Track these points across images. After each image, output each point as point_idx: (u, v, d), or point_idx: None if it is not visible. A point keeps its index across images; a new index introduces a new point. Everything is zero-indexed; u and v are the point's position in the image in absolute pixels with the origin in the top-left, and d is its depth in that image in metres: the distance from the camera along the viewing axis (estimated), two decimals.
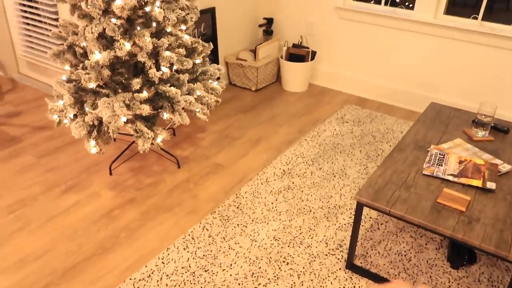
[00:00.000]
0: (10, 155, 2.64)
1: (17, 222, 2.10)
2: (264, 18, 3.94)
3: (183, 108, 2.36)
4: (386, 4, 3.38)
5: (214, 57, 3.56)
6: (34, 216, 2.14)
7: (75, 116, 2.34)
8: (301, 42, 3.83)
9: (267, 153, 2.73)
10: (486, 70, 3.08)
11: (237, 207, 2.22)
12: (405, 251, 1.97)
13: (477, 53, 3.07)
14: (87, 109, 2.29)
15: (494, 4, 3.51)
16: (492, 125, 2.26)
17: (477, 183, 1.77)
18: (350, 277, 1.81)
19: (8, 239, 1.99)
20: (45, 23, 3.25)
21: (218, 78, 2.74)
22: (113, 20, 2.13)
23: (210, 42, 2.61)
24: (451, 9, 3.15)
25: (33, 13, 3.30)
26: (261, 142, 2.86)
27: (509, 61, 2.97)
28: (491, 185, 1.76)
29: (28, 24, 3.41)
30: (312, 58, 3.67)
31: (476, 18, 3.03)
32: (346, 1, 3.50)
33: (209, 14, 3.40)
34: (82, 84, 2.24)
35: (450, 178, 1.80)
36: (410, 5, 3.27)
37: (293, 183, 2.43)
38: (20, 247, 1.95)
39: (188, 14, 2.41)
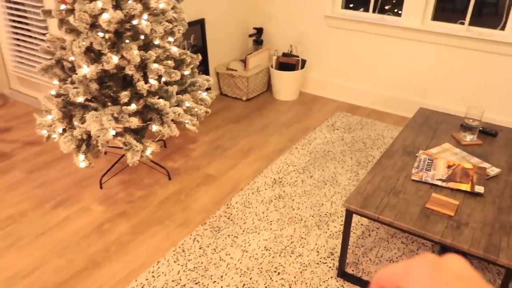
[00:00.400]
0: (0, 171, 2.63)
1: (7, 239, 2.08)
2: (254, 28, 3.96)
3: (172, 120, 2.36)
4: (374, 11, 3.41)
5: (204, 68, 3.57)
6: (23, 233, 2.12)
7: (64, 130, 2.34)
8: (291, 51, 3.85)
9: (258, 163, 2.73)
10: (474, 74, 3.11)
11: (228, 218, 2.21)
12: (396, 257, 1.96)
13: (465, 57, 3.09)
14: (75, 123, 2.29)
15: (483, 9, 3.54)
16: (480, 129, 2.27)
17: (466, 187, 1.77)
18: (342, 286, 1.80)
19: None
20: (35, 38, 3.26)
21: (208, 89, 2.75)
22: (100, 34, 2.14)
23: (199, 54, 2.62)
24: (439, 15, 3.18)
25: (23, 29, 3.31)
26: (252, 152, 2.86)
27: (496, 65, 3.00)
28: (479, 189, 1.76)
29: (18, 39, 3.42)
30: (302, 67, 3.69)
31: (463, 23, 3.06)
32: (335, 10, 3.53)
33: (198, 26, 3.42)
34: (70, 99, 2.24)
35: (439, 183, 1.80)
36: (399, 12, 3.30)
37: (284, 192, 2.43)
38: (10, 264, 1.93)
39: (175, 26, 2.42)
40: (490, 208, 1.67)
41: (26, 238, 2.08)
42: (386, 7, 3.44)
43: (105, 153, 2.85)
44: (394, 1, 3.38)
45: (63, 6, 2.27)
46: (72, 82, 2.32)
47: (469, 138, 2.19)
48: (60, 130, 2.35)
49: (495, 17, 3.11)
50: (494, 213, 1.65)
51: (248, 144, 2.95)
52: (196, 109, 2.53)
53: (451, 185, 1.79)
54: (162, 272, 1.87)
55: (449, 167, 1.91)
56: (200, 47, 3.48)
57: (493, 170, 1.92)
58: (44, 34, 3.16)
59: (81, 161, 2.29)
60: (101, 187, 2.47)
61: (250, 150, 2.89)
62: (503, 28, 2.95)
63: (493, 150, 2.11)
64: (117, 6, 2.15)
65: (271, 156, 2.81)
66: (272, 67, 3.69)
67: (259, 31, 3.95)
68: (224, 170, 2.65)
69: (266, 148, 2.90)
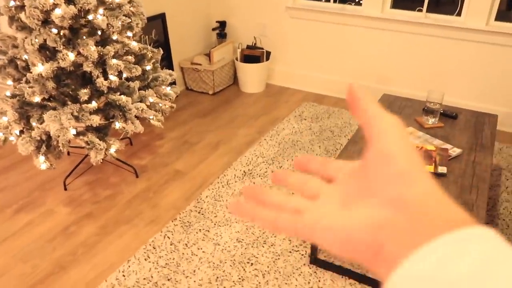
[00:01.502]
0: None
1: None
2: (216, 22, 3.92)
3: (136, 116, 2.30)
4: (335, 1, 3.44)
5: (168, 64, 3.51)
6: None
7: (21, 132, 2.24)
8: (255, 43, 3.84)
9: (227, 156, 2.71)
10: (433, 59, 3.19)
11: (199, 212, 2.19)
12: None
13: (424, 43, 3.17)
14: (33, 124, 2.20)
15: None
16: (441, 112, 2.33)
17: (429, 168, 1.81)
18: (315, 272, 1.82)
19: None
20: None
21: (172, 84, 2.70)
22: (54, 30, 2.05)
23: (160, 48, 2.57)
24: (399, 3, 3.24)
25: None
26: (220, 145, 2.83)
27: (454, 50, 3.09)
28: (442, 169, 1.81)
29: None
30: (267, 59, 3.68)
31: (421, 11, 3.13)
32: (296, 0, 3.53)
33: (159, 20, 3.35)
34: (26, 99, 2.15)
35: None
36: (360, 2, 3.35)
37: (254, 183, 2.42)
38: None
39: (133, 21, 2.36)
40: (453, 188, 1.72)
41: None
42: None
43: (68, 153, 2.75)
44: None
45: (12, 3, 2.16)
46: (27, 82, 2.22)
47: (431, 121, 2.24)
48: (17, 132, 2.25)
49: (452, 5, 3.19)
50: (457, 192, 1.70)
51: (216, 138, 2.93)
52: (160, 104, 2.48)
53: None
54: (133, 271, 1.83)
55: None
56: (162, 42, 3.41)
57: (454, 151, 1.97)
58: None
59: (41, 163, 2.20)
60: (65, 189, 2.39)
61: (219, 143, 2.86)
62: (459, 14, 3.04)
63: (454, 132, 2.18)
64: (70, 1, 2.07)
65: (240, 148, 2.80)
66: (237, 60, 3.66)
67: (222, 24, 3.91)
68: (192, 165, 2.61)
69: (235, 141, 2.89)
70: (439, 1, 3.54)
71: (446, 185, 1.73)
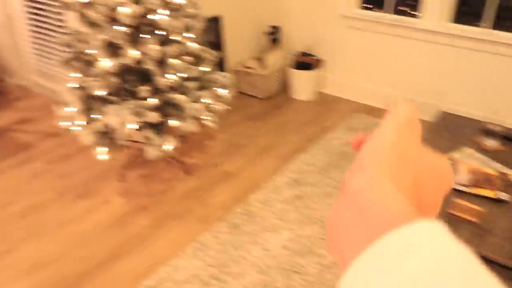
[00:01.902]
0: (22, 161, 2.66)
1: (29, 227, 2.11)
2: (271, 26, 3.96)
3: (191, 116, 2.37)
4: (391, 12, 3.39)
5: (221, 65, 3.58)
6: (45, 222, 2.15)
7: (84, 123, 2.36)
8: (308, 51, 3.84)
9: (276, 161, 2.73)
10: (495, 78, 3.08)
11: (247, 215, 2.22)
12: None
13: (486, 61, 3.06)
14: (96, 116, 2.31)
15: (503, 13, 3.51)
16: (503, 134, 2.25)
17: (489, 193, 1.76)
18: None
19: (21, 244, 2.00)
20: (53, 30, 3.28)
21: (226, 86, 2.76)
22: (120, 28, 2.15)
23: (217, 50, 2.63)
24: (459, 18, 3.15)
25: (41, 21, 3.33)
26: (270, 150, 2.86)
27: None
28: (504, 195, 1.75)
29: (36, 32, 3.44)
30: (320, 67, 3.68)
31: (483, 27, 3.03)
32: (352, 10, 3.51)
33: (214, 23, 3.42)
34: (90, 92, 2.26)
35: (461, 188, 1.80)
36: (418, 14, 3.28)
37: (303, 191, 2.43)
38: (33, 253, 1.96)
39: (193, 22, 2.42)
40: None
41: (48, 228, 2.11)
42: (403, 8, 3.42)
43: (125, 146, 2.86)
44: (410, 2, 3.35)
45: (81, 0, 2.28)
46: (92, 76, 2.33)
47: (491, 143, 2.17)
48: (81, 123, 2.37)
49: None
50: None
51: (266, 142, 2.96)
52: (215, 106, 2.54)
53: (474, 190, 1.78)
54: (182, 266, 1.88)
55: (471, 172, 1.90)
56: (217, 45, 3.48)
57: None
58: (61, 27, 3.18)
59: (101, 153, 2.31)
60: (121, 181, 2.49)
61: (268, 148, 2.89)
62: None
63: None
64: (136, 0, 2.16)
65: (289, 155, 2.81)
66: (289, 66, 3.68)
67: (276, 29, 3.94)
68: (241, 168, 2.66)
69: (284, 147, 2.91)
70: (503, 16, 3.42)
71: (507, 212, 1.68)
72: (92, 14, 2.24)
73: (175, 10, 2.33)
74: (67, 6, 2.32)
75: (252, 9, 3.77)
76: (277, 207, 2.29)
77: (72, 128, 2.41)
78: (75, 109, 2.29)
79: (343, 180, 0.27)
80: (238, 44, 3.75)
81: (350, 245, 0.23)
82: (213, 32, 3.43)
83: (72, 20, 2.99)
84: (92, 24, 2.27)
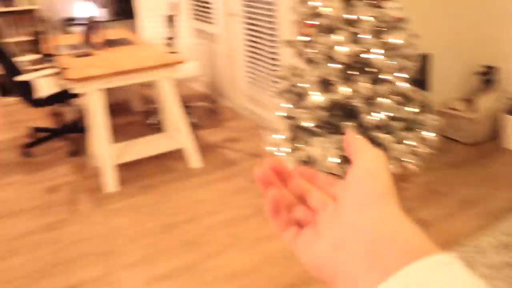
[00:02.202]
0: (228, 175, 3.00)
1: (230, 238, 2.35)
2: (485, 66, 3.59)
3: (393, 157, 2.29)
4: None
5: (425, 106, 3.39)
6: (244, 235, 2.35)
7: (289, 150, 2.52)
8: None
9: (481, 218, 2.42)
10: None
11: None
12: None
13: None
14: (300, 145, 2.44)
15: None
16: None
17: None
18: None
19: (221, 252, 2.24)
20: (266, 62, 3.65)
21: (433, 129, 2.59)
22: (335, 66, 2.24)
23: (421, 89, 2.50)
24: None
25: (257, 53, 3.74)
26: (474, 204, 2.56)
27: None
28: None
29: (252, 63, 3.88)
30: None
31: None
32: None
33: (423, 60, 3.27)
34: (298, 122, 2.40)
35: None
36: None
37: None
38: (230, 262, 2.16)
39: (407, 62, 2.36)
40: None
41: (245, 241, 2.31)
42: None
43: None
44: None
45: (301, 38, 2.46)
46: (302, 107, 2.49)
47: None
48: (286, 150, 2.54)
49: None
50: None
51: (470, 194, 2.65)
52: (418, 149, 2.41)
53: None
54: None
55: None
56: (421, 83, 3.32)
57: None
58: (274, 60, 3.51)
59: None
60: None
61: (472, 201, 2.59)
62: None
63: None
64: (354, 40, 2.22)
65: (498, 213, 2.46)
66: (504, 111, 3.26)
67: (491, 69, 3.55)
68: (440, 218, 2.44)
69: (493, 203, 2.56)
70: None
71: None
72: (310, 51, 2.40)
73: (390, 49, 2.32)
74: (289, 44, 2.55)
75: (465, 47, 3.50)
76: (482, 272, 2.01)
77: (276, 153, 2.61)
78: (283, 136, 2.47)
79: (335, 213, 0.28)
80: (445, 83, 3.50)
81: (357, 274, 0.24)
82: (419, 70, 3.29)
83: (286, 55, 3.28)
84: (309, 60, 2.43)
